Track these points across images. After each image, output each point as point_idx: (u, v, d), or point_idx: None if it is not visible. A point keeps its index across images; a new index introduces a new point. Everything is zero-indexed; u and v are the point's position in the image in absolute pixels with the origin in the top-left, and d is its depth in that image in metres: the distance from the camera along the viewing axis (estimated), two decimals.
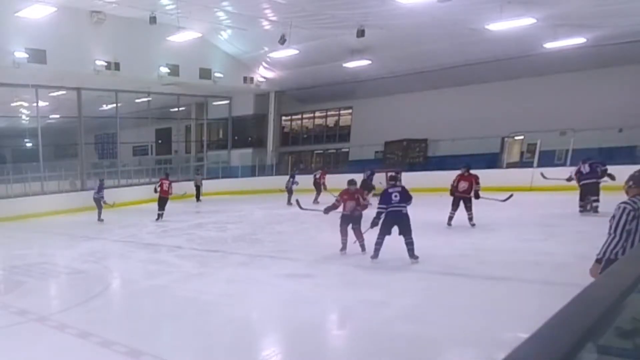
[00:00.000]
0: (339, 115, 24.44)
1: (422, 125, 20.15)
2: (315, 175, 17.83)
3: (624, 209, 3.67)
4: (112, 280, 8.54)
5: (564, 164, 16.21)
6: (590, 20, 13.77)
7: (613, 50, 15.31)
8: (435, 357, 4.64)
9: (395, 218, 7.78)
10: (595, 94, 16.37)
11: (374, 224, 7.97)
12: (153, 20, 14.68)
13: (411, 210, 8.05)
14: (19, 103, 23.25)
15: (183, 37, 16.60)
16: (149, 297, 7.19)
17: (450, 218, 10.54)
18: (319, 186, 17.36)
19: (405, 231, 7.76)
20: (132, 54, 17.31)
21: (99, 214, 16.07)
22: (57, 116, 24.87)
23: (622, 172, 15.52)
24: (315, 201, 15.92)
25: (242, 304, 6.42)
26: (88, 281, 8.22)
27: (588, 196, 10.89)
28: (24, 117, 25.62)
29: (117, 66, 17.10)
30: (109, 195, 16.66)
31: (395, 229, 7.83)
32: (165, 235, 12.45)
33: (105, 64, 16.83)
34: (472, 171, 10.61)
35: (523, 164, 17.73)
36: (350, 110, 23.83)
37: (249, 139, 26.18)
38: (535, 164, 16.51)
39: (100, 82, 18.53)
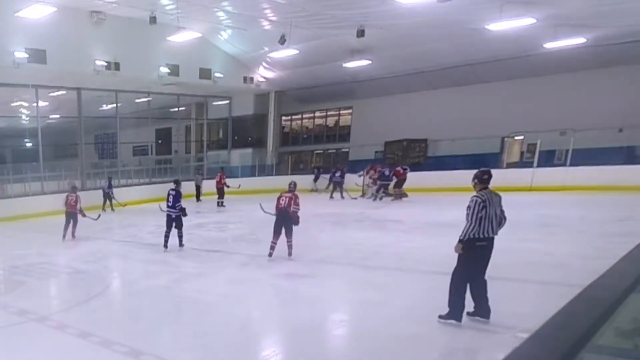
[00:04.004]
0: (339, 115, 24.43)
1: (422, 125, 20.14)
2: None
3: (476, 201, 4.83)
4: (112, 280, 8.55)
5: (564, 164, 16.22)
6: (590, 20, 13.76)
7: (613, 50, 15.31)
8: (435, 357, 4.64)
9: (168, 220, 10.12)
10: (595, 94, 16.37)
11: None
12: (153, 20, 14.67)
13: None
14: (19, 103, 23.23)
15: (183, 37, 16.60)
16: (149, 297, 7.19)
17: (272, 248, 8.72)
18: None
19: (178, 227, 10.14)
20: (132, 54, 17.31)
21: (110, 205, 18.14)
22: (57, 116, 24.84)
23: (621, 172, 15.56)
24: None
25: (242, 304, 6.42)
26: (88, 281, 8.22)
27: (383, 189, 16.72)
28: (24, 117, 25.60)
29: (117, 66, 17.09)
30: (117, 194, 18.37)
31: None
32: None
33: (105, 64, 16.82)
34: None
35: (523, 164, 17.73)
36: (350, 110, 23.82)
37: (249, 139, 26.17)
38: (535, 164, 16.51)
39: (100, 82, 18.53)
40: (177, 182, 10.44)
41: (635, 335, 1.55)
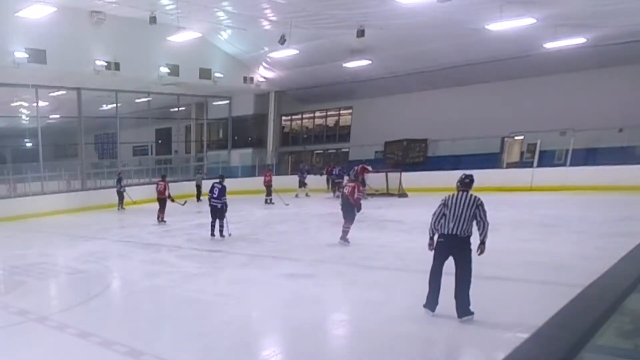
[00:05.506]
0: (339, 115, 24.43)
1: (422, 125, 20.14)
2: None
3: (442, 200, 5.34)
4: (112, 280, 8.54)
5: (564, 164, 16.23)
6: (590, 20, 13.76)
7: (613, 50, 15.30)
8: (436, 357, 4.64)
9: (213, 211, 11.12)
10: (595, 94, 16.36)
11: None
12: (153, 20, 14.67)
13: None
14: (19, 103, 23.24)
15: (183, 37, 16.60)
16: (149, 297, 7.19)
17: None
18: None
19: (220, 218, 11.08)
20: (132, 54, 17.31)
21: (120, 204, 18.43)
22: (57, 116, 24.86)
23: (621, 172, 15.58)
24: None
25: (242, 304, 6.42)
26: (88, 281, 8.22)
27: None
28: (24, 117, 25.60)
29: (117, 66, 17.09)
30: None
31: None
32: (166, 235, 12.46)
33: (105, 64, 16.83)
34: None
35: (523, 164, 17.73)
36: (350, 110, 23.83)
37: (249, 139, 26.17)
38: (535, 164, 16.51)
39: (100, 82, 18.53)
40: (222, 177, 11.63)
41: (635, 335, 1.55)
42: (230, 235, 11.16)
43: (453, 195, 5.25)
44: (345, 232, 9.47)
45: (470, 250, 5.04)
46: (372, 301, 6.02)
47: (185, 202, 15.04)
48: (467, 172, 5.43)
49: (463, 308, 5.01)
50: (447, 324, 5.08)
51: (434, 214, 5.34)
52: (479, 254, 5.06)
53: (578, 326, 1.16)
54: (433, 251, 5.31)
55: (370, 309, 5.77)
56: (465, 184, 5.26)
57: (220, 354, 4.93)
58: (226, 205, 11.09)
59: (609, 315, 1.28)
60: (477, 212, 5.03)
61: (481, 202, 5.08)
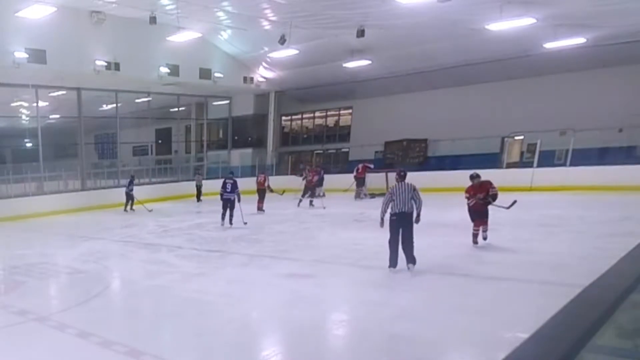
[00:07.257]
0: (339, 115, 24.42)
1: (422, 125, 20.14)
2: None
3: (389, 191, 7.47)
4: (112, 280, 8.55)
5: (564, 164, 16.22)
6: (590, 20, 13.76)
7: (613, 50, 15.30)
8: (435, 357, 4.64)
9: (225, 203, 12.78)
10: (595, 94, 16.36)
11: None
12: (153, 20, 14.66)
13: None
14: (19, 103, 23.22)
15: (183, 37, 16.59)
16: (149, 297, 7.19)
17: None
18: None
19: (231, 209, 12.76)
20: (132, 54, 17.30)
21: (130, 204, 18.14)
22: (57, 116, 24.84)
23: (621, 172, 15.57)
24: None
25: (242, 304, 6.42)
26: (88, 281, 8.21)
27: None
28: (24, 117, 25.57)
29: (117, 66, 17.08)
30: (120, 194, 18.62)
31: None
32: (165, 235, 12.46)
33: (105, 64, 16.82)
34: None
35: (523, 164, 17.72)
36: (350, 110, 23.82)
37: (249, 139, 26.16)
38: (535, 164, 16.50)
39: (100, 82, 18.52)
40: (232, 173, 13.63)
41: (635, 335, 1.55)
42: (245, 223, 12.48)
43: (395, 185, 7.29)
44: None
45: (412, 222, 7.08)
46: (372, 301, 6.02)
47: (284, 192, 16.26)
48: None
49: (411, 260, 7.12)
50: (447, 323, 5.09)
51: (384, 201, 7.28)
52: (417, 223, 7.10)
53: (578, 326, 1.16)
54: (389, 228, 7.13)
55: (370, 309, 5.77)
56: (402, 176, 7.35)
57: (220, 354, 4.94)
58: (239, 196, 12.57)
59: (609, 315, 1.28)
60: (414, 194, 7.11)
61: (415, 187, 7.16)
